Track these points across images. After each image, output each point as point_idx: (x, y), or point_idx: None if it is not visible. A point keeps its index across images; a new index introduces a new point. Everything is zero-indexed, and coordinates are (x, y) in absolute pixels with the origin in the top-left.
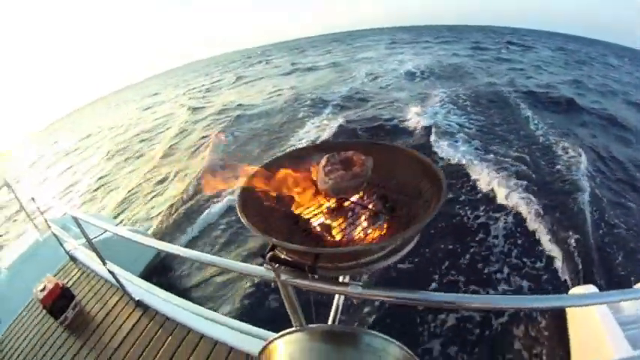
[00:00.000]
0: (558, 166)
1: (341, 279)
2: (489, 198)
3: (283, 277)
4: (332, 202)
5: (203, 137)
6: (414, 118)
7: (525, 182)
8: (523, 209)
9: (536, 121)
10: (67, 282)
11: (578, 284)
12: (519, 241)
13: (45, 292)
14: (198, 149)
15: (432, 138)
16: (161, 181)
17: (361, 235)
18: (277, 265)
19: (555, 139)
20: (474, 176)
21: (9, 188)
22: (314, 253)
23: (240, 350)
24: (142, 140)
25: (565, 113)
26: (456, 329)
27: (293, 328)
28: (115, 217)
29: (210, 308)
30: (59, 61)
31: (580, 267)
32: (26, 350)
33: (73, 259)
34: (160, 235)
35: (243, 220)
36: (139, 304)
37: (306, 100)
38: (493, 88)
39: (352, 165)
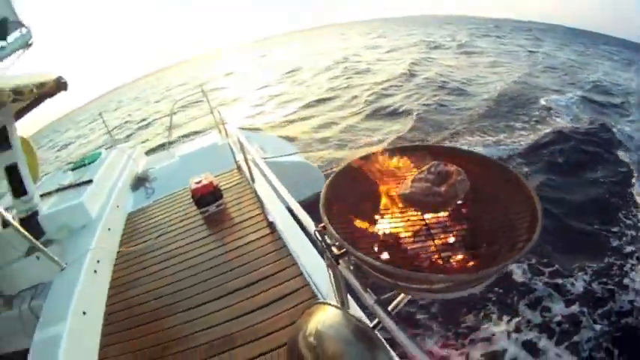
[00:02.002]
0: None
1: None
2: None
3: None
4: (413, 212)
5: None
6: None
7: None
8: None
9: None
10: (222, 185)
11: None
12: None
13: (198, 185)
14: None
15: None
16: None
17: (430, 257)
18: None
19: None
20: None
21: (203, 94)
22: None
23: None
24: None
25: None
26: None
27: (335, 304)
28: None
29: None
30: None
31: None
32: (164, 220)
33: (238, 168)
34: None
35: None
36: (272, 225)
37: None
38: None
39: (444, 182)
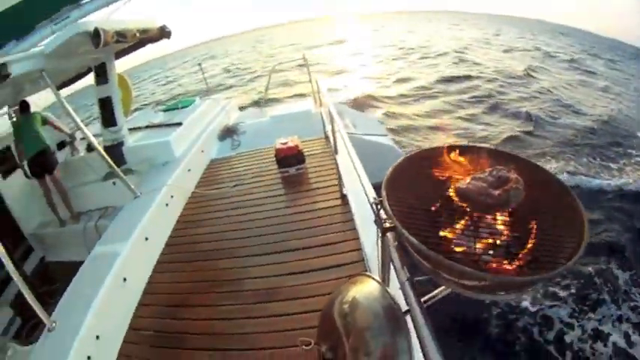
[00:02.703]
0: None
1: None
2: None
3: (390, 234)
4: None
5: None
6: None
7: None
8: None
9: None
10: (306, 151)
11: None
12: None
13: (283, 146)
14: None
15: None
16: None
17: (471, 253)
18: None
19: None
20: None
21: (305, 61)
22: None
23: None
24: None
25: None
26: None
27: (377, 278)
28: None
29: None
30: None
31: None
32: (244, 172)
33: (326, 138)
34: None
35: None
36: (344, 198)
37: None
38: None
39: (500, 187)
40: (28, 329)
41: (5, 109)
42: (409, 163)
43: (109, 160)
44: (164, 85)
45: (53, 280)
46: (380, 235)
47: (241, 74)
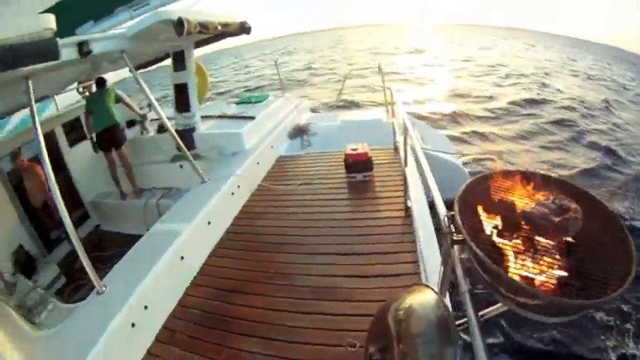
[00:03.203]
0: None
1: None
2: None
3: (457, 246)
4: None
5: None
6: None
7: None
8: None
9: None
10: (375, 159)
11: None
12: None
13: (353, 152)
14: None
15: None
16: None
17: (528, 274)
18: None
19: None
20: None
21: (380, 70)
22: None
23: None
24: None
25: None
26: None
27: (435, 289)
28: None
29: None
30: None
31: None
32: (311, 172)
33: (395, 149)
34: None
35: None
36: (408, 210)
37: None
38: None
39: (561, 214)
40: (71, 289)
41: (75, 84)
42: (481, 182)
43: (181, 143)
44: (238, 74)
45: (105, 247)
46: (447, 246)
47: (316, 74)
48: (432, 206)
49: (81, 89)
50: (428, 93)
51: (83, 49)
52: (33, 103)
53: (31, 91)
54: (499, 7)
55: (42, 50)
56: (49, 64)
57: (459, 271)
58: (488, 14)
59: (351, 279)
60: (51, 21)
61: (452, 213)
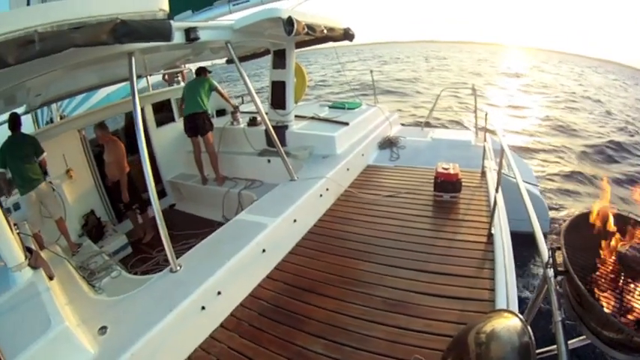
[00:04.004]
0: None
1: None
2: None
3: (551, 274)
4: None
5: None
6: None
7: None
8: None
9: None
10: (463, 181)
11: None
12: None
13: (444, 171)
14: None
15: None
16: None
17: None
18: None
19: None
20: None
21: (473, 92)
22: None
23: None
24: None
25: None
26: None
27: (522, 316)
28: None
29: None
30: None
31: None
32: (398, 185)
33: (482, 173)
34: None
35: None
36: (490, 237)
37: None
38: None
39: None
40: (135, 261)
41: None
42: (582, 219)
43: (275, 138)
44: (333, 76)
45: (175, 226)
46: (547, 277)
47: (408, 86)
48: (516, 235)
49: (166, 77)
50: (520, 120)
51: (190, 34)
52: (134, 79)
53: (133, 67)
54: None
55: (155, 30)
56: (156, 44)
57: (555, 302)
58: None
59: (425, 296)
60: (165, 3)
61: (557, 245)
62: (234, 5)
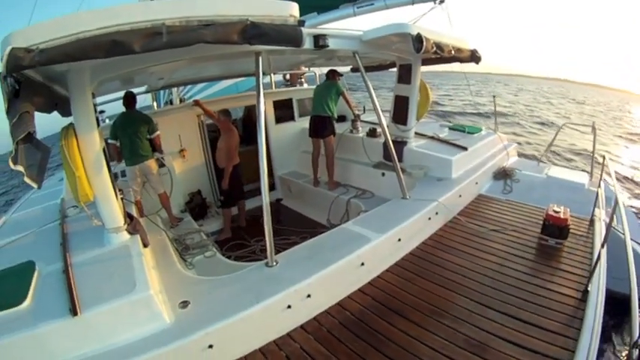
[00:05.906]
0: None
1: None
2: None
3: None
4: None
5: None
6: None
7: None
8: None
9: None
10: (572, 228)
11: None
12: None
13: (555, 214)
14: None
15: None
16: None
17: None
18: None
19: None
20: None
21: (593, 131)
22: None
23: None
24: None
25: None
26: None
27: None
28: None
29: None
30: None
31: None
32: (506, 220)
33: (591, 221)
34: None
35: None
36: (585, 294)
37: None
38: None
39: None
40: (230, 246)
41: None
42: None
43: (395, 155)
44: (458, 98)
45: (279, 221)
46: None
47: (530, 118)
48: (611, 296)
49: (287, 77)
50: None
51: (319, 42)
52: (260, 77)
53: (260, 66)
54: None
55: (286, 35)
56: (283, 47)
57: None
58: None
59: (505, 343)
60: (295, 9)
61: None
62: (358, 8)
